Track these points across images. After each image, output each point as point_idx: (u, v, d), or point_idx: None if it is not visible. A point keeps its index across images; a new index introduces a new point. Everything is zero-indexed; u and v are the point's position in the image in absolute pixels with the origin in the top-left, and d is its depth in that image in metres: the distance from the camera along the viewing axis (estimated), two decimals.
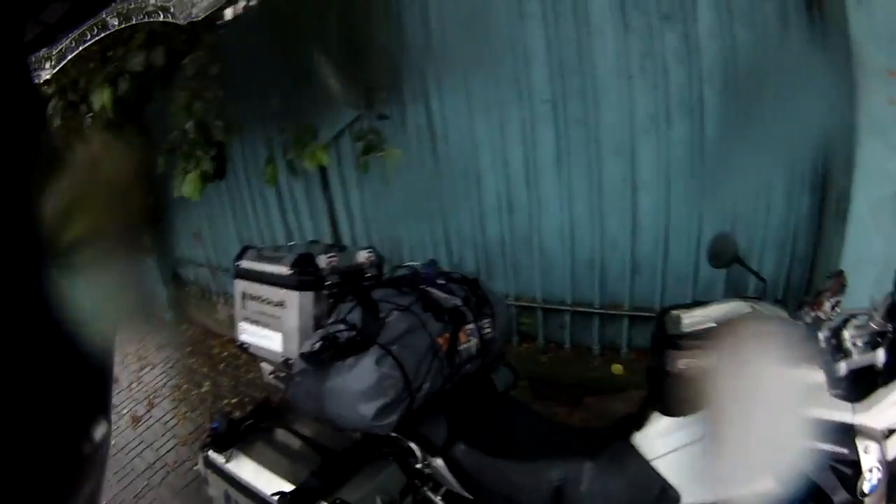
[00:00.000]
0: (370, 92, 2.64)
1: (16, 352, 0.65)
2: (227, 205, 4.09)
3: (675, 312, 1.41)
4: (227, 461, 1.41)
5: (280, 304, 1.58)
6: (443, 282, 1.55)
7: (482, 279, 1.71)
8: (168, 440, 3.12)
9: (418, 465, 1.44)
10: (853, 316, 1.35)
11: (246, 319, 1.68)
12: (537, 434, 1.54)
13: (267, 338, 1.63)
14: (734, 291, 2.19)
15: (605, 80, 2.47)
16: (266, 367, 1.73)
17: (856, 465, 1.22)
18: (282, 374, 1.64)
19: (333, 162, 2.98)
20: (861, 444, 1.23)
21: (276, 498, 1.28)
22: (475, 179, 2.78)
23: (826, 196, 2.34)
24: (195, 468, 2.84)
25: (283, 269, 1.56)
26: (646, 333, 2.67)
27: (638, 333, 2.75)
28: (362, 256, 1.69)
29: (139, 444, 3.13)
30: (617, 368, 2.74)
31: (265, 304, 1.63)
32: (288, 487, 1.30)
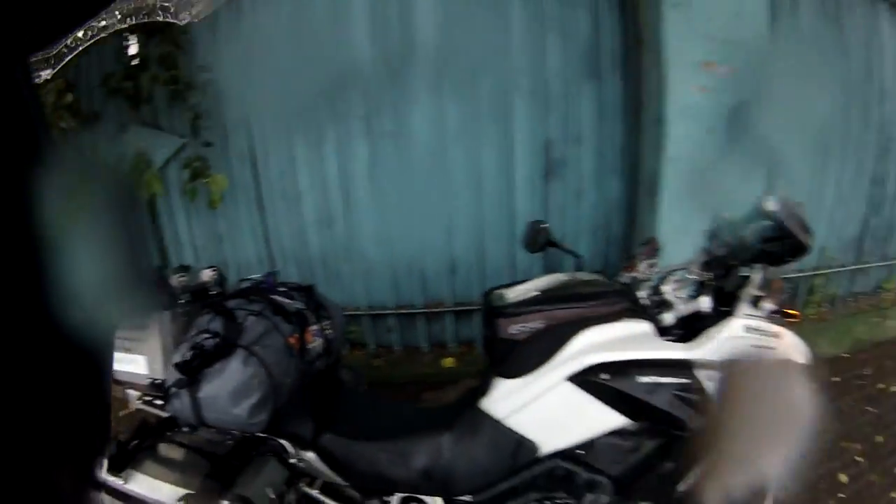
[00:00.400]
0: (195, 119, 2.70)
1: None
2: None
3: (498, 291, 1.60)
4: (126, 482, 1.43)
5: (139, 327, 1.59)
6: (284, 289, 1.63)
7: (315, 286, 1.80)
8: None
9: (293, 461, 1.53)
10: (670, 273, 1.55)
11: None
12: (395, 418, 1.67)
13: (131, 362, 1.62)
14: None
15: (417, 94, 2.65)
16: (133, 394, 1.71)
17: (702, 392, 1.41)
18: (149, 398, 1.65)
19: (163, 190, 3.01)
20: (701, 374, 1.42)
21: (181, 502, 1.33)
22: (295, 198, 2.88)
23: (638, 178, 2.61)
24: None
25: None
26: (470, 326, 2.93)
27: (463, 327, 2.97)
28: (206, 275, 1.74)
29: None
30: (448, 361, 2.91)
31: (124, 329, 1.62)
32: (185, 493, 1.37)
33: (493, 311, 1.54)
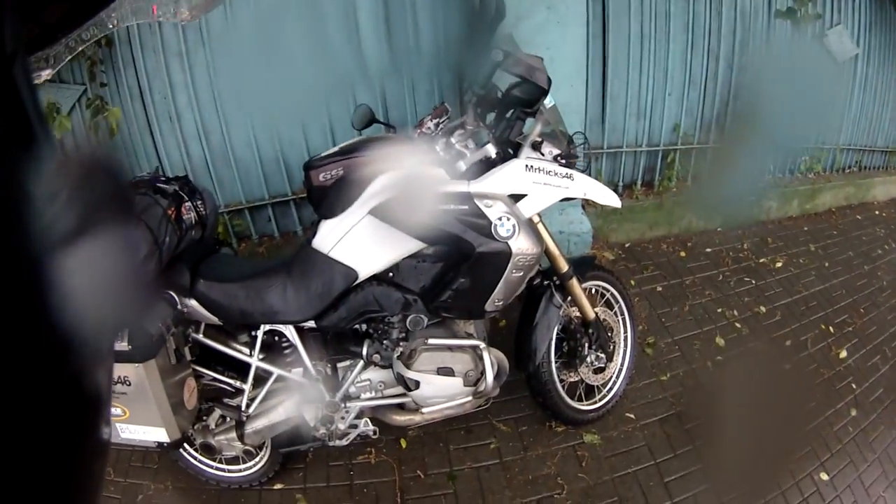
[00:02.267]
0: (91, 66, 3.03)
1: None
2: None
3: (318, 154, 1.90)
4: None
5: None
6: (163, 178, 1.89)
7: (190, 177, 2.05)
8: None
9: (179, 307, 1.79)
10: (455, 128, 1.83)
11: None
12: (254, 266, 1.95)
13: None
14: None
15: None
16: None
17: (484, 217, 1.70)
18: None
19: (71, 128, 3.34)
20: (480, 203, 1.71)
21: None
22: (177, 117, 3.24)
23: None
24: None
25: None
26: None
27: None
28: None
29: None
30: None
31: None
32: None
33: (307, 166, 1.86)
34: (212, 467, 2.32)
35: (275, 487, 2.32)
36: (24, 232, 0.59)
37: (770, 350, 2.84)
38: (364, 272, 1.80)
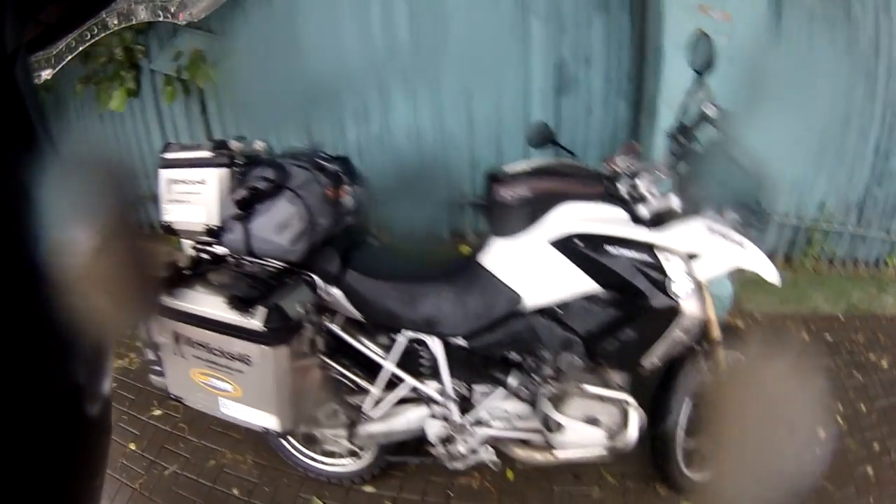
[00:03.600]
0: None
1: None
2: (131, 126, 4.26)
3: (499, 166, 1.83)
4: (176, 299, 1.65)
5: (202, 182, 1.89)
6: (324, 155, 1.90)
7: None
8: None
9: (321, 293, 1.79)
10: (645, 170, 1.75)
11: (170, 202, 1.97)
12: (410, 265, 1.91)
13: (190, 212, 1.93)
14: None
15: (451, 12, 2.87)
16: (187, 243, 2.02)
17: (662, 272, 1.66)
18: (201, 245, 1.94)
19: (211, 85, 3.35)
20: (661, 255, 1.66)
21: (225, 303, 1.56)
22: (335, 93, 3.19)
23: (640, 101, 2.90)
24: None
25: (204, 153, 1.89)
26: None
27: (480, 220, 3.28)
28: (258, 145, 2.04)
29: None
30: (465, 250, 3.12)
31: (188, 184, 1.93)
32: None
33: (491, 178, 1.79)
34: (306, 455, 2.28)
35: (364, 489, 2.26)
36: (24, 229, 0.61)
37: (858, 450, 2.70)
38: (531, 302, 1.75)
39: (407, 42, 3.07)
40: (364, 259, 1.86)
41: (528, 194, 1.74)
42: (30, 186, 0.62)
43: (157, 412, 2.83)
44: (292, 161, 1.83)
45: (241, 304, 1.57)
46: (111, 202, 0.70)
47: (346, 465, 2.25)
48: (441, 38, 2.99)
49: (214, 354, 1.65)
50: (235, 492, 2.34)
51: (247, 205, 1.73)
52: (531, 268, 1.73)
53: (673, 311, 1.69)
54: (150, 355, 1.93)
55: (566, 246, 1.68)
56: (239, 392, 1.68)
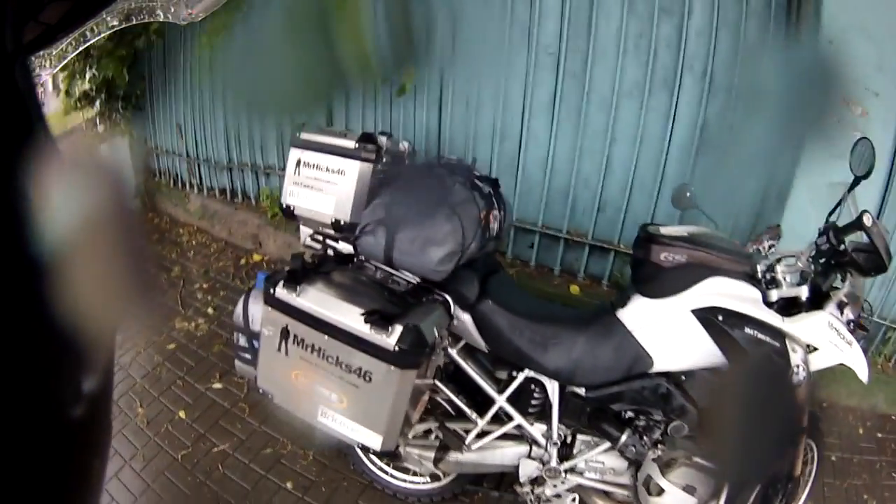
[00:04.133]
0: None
1: None
2: (218, 102, 4.28)
3: (654, 225, 1.84)
4: (298, 296, 1.61)
5: (339, 172, 1.86)
6: (478, 174, 1.86)
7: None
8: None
9: (452, 319, 1.76)
10: (784, 257, 1.77)
11: (297, 184, 1.94)
12: (545, 306, 1.92)
13: (321, 201, 1.90)
14: None
15: (604, 47, 2.96)
16: (305, 231, 2.00)
17: (786, 359, 1.66)
18: (319, 236, 1.93)
19: None
20: (789, 344, 1.67)
21: (363, 316, 1.52)
22: (476, 107, 3.23)
23: (769, 184, 2.82)
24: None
25: (348, 143, 1.84)
26: (602, 264, 3.24)
27: (595, 263, 3.26)
28: (404, 145, 2.00)
29: None
30: (575, 289, 3.20)
31: (323, 171, 1.89)
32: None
33: (650, 236, 1.78)
34: (376, 465, 2.22)
35: None
36: (23, 230, 0.60)
37: None
38: (659, 365, 1.74)
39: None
40: (499, 290, 1.84)
41: (683, 260, 1.73)
42: (29, 187, 0.61)
43: (217, 385, 2.79)
44: (451, 175, 1.80)
45: (381, 320, 1.52)
46: (111, 202, 0.68)
47: (419, 485, 2.20)
48: (595, 76, 3.05)
49: (328, 362, 1.59)
50: (289, 485, 2.28)
51: (407, 213, 1.69)
52: (669, 333, 1.72)
53: None
54: (241, 341, 1.90)
55: (706, 317, 1.68)
56: (345, 404, 1.62)
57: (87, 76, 4.23)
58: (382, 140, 1.90)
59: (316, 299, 1.60)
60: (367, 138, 1.86)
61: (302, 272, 1.66)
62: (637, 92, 2.98)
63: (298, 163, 1.96)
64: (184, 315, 3.32)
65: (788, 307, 1.72)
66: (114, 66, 4.08)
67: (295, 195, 1.97)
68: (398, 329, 1.51)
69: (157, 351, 3.03)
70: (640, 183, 3.10)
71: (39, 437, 0.67)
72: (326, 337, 1.58)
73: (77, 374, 0.73)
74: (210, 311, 3.41)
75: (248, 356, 1.88)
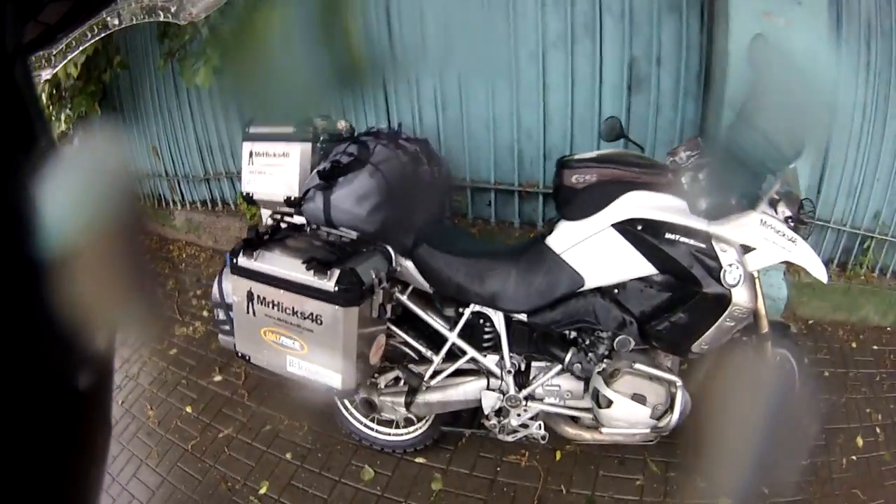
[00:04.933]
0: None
1: None
2: (187, 119, 4.46)
3: (569, 156, 1.93)
4: (255, 260, 1.78)
5: (284, 155, 2.07)
6: (405, 136, 2.02)
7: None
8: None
9: (393, 265, 1.89)
10: (704, 165, 1.79)
11: (252, 173, 2.17)
12: (479, 244, 2.02)
13: (272, 183, 2.12)
14: None
15: (524, 2, 3.07)
16: (265, 213, 2.21)
17: (716, 260, 1.72)
18: (278, 215, 2.07)
19: None
20: (717, 245, 1.73)
21: (304, 265, 1.68)
22: (415, 81, 3.33)
23: (708, 102, 2.94)
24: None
25: (288, 129, 2.05)
26: None
27: (551, 209, 3.31)
28: (341, 124, 2.18)
29: None
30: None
31: (271, 157, 2.11)
32: None
33: (561, 164, 1.88)
34: (361, 423, 2.38)
35: (416, 460, 2.36)
36: (24, 229, 0.61)
37: (893, 461, 2.75)
38: (591, 282, 1.84)
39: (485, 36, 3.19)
40: (437, 235, 1.97)
41: (595, 180, 1.83)
42: (29, 187, 0.61)
43: (218, 378, 2.98)
44: (375, 139, 1.96)
45: (319, 265, 1.69)
46: (111, 202, 0.69)
47: (402, 434, 2.35)
48: (519, 32, 3.15)
49: (286, 313, 1.77)
50: (288, 456, 2.46)
51: (329, 176, 1.87)
52: (594, 250, 1.82)
53: (724, 300, 1.75)
54: (220, 315, 2.08)
55: (627, 230, 1.77)
56: (306, 350, 1.79)
57: (63, 117, 4.41)
58: (318, 122, 2.09)
59: (270, 260, 1.78)
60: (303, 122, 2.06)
61: (257, 240, 1.84)
62: (561, 42, 3.10)
63: (251, 154, 2.18)
64: (182, 321, 3.51)
65: (723, 213, 1.78)
66: (86, 102, 4.28)
67: (252, 183, 2.21)
68: (336, 272, 1.68)
69: (161, 358, 3.20)
70: (578, 127, 3.21)
71: (28, 428, 0.66)
72: (282, 291, 1.75)
73: (70, 367, 0.72)
74: (205, 313, 3.58)
75: (227, 328, 2.05)
